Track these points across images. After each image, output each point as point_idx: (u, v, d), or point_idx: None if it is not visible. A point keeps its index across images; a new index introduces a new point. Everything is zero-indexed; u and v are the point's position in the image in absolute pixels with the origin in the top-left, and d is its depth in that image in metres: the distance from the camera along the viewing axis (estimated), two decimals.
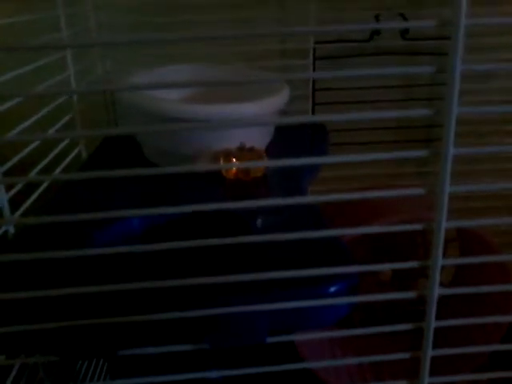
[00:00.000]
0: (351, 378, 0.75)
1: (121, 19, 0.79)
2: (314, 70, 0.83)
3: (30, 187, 0.55)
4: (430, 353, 0.36)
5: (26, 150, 0.52)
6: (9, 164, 0.49)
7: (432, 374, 0.38)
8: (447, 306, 0.79)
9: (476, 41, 0.78)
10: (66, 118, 0.66)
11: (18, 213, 0.51)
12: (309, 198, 0.33)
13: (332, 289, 0.35)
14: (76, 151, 0.69)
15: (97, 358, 0.35)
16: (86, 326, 0.35)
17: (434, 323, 0.35)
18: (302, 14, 0.81)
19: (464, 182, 0.32)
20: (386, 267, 0.33)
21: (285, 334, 0.38)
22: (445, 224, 0.32)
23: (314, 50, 0.83)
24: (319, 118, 0.34)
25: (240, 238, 0.34)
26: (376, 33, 0.82)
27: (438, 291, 0.34)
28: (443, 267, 0.83)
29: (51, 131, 0.61)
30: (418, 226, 0.32)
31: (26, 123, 0.53)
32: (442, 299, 0.33)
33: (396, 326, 0.36)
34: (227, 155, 0.58)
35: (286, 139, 0.70)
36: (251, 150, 0.59)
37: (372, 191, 0.33)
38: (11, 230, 0.47)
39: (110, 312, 0.35)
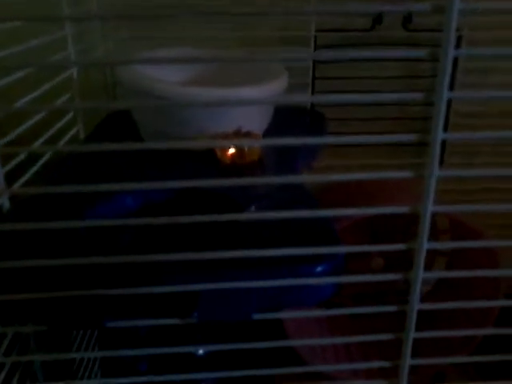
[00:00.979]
0: (338, 362, 0.76)
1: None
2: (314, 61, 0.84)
3: (28, 165, 0.56)
4: (413, 335, 0.37)
5: (24, 126, 0.53)
6: (6, 139, 0.49)
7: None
8: (437, 297, 0.80)
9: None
10: (66, 96, 0.67)
11: (14, 186, 0.51)
12: (302, 178, 0.34)
13: (318, 268, 0.36)
14: (74, 131, 0.69)
15: (86, 328, 0.36)
16: (76, 297, 0.36)
17: (417, 305, 0.36)
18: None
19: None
20: (371, 248, 0.34)
21: (271, 312, 0.38)
22: (431, 208, 0.32)
23: (315, 38, 0.83)
24: (316, 98, 0.34)
25: (231, 215, 0.35)
26: (378, 21, 0.81)
27: (422, 274, 0.35)
28: (434, 259, 0.84)
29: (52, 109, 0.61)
30: (404, 209, 0.33)
31: (26, 98, 0.54)
32: (433, 291, 0.34)
33: (380, 307, 0.37)
34: (224, 139, 0.59)
35: (284, 126, 0.70)
36: (248, 134, 0.60)
37: (363, 174, 0.33)
38: (6, 203, 0.47)
39: (101, 284, 0.36)
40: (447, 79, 0.30)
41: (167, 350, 0.39)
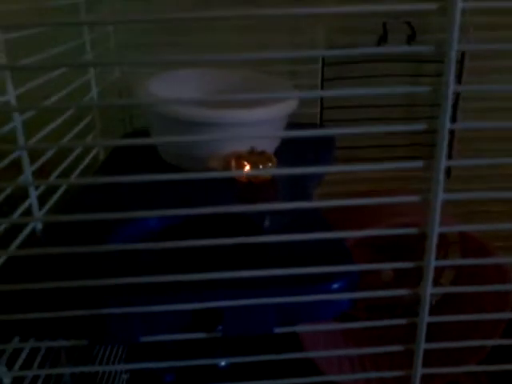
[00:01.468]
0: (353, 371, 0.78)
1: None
2: (322, 74, 0.87)
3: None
4: (423, 346, 0.39)
5: (49, 154, 0.56)
6: (36, 165, 0.53)
7: None
8: (446, 307, 0.82)
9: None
10: (88, 119, 0.70)
11: (44, 210, 0.55)
12: (314, 203, 0.37)
13: (335, 285, 0.38)
14: (95, 151, 0.73)
15: (123, 343, 0.39)
16: (113, 314, 0.39)
17: (426, 318, 0.38)
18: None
19: (460, 189, 0.35)
20: (383, 267, 0.37)
21: (290, 326, 0.41)
22: (437, 229, 0.35)
23: (323, 58, 0.86)
24: (328, 131, 0.37)
25: (251, 238, 0.38)
26: (383, 39, 0.85)
27: (430, 290, 0.37)
28: (443, 271, 0.86)
29: (74, 131, 0.65)
30: (413, 230, 0.36)
31: (53, 125, 0.57)
32: (441, 305, 0.36)
33: (392, 320, 0.39)
34: (238, 158, 0.62)
35: (294, 143, 0.73)
36: (261, 153, 0.63)
37: (371, 198, 0.36)
38: (39, 226, 0.51)
39: (135, 301, 0.39)
40: (449, 109, 0.32)
41: (191, 363, 0.42)
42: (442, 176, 0.33)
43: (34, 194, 0.52)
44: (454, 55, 0.31)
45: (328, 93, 0.39)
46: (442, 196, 0.34)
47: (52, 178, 0.57)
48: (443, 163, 0.33)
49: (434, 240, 0.35)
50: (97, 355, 0.63)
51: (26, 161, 0.51)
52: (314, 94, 0.88)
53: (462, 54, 0.83)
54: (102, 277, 0.38)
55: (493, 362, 0.71)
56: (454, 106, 0.78)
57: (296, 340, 0.73)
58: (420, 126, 0.33)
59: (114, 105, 0.78)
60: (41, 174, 0.54)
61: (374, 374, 0.65)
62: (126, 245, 0.39)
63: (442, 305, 0.83)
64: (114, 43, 0.83)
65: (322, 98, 0.88)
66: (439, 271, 0.83)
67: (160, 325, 0.39)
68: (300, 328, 0.40)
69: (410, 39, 0.82)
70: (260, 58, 0.36)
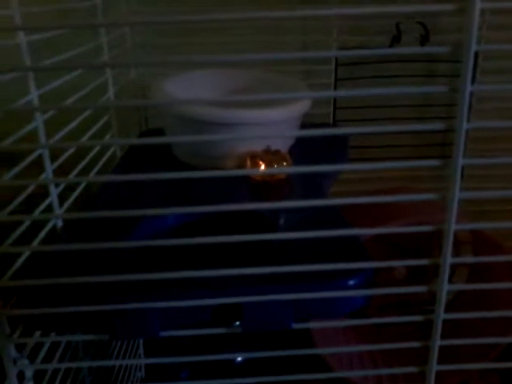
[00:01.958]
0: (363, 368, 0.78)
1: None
2: (336, 75, 0.87)
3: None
4: (439, 342, 0.40)
5: (69, 153, 0.57)
6: (56, 163, 0.54)
7: None
8: (460, 303, 0.82)
9: None
10: (105, 119, 0.71)
11: (64, 208, 0.56)
12: (329, 201, 0.37)
13: (350, 282, 0.39)
14: (112, 150, 0.74)
15: (144, 337, 0.40)
16: (130, 310, 0.40)
17: (442, 315, 0.39)
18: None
19: (476, 188, 0.36)
20: (398, 263, 0.37)
21: (306, 322, 0.42)
22: (454, 226, 0.35)
23: (336, 57, 0.86)
24: (341, 130, 0.38)
25: (267, 235, 0.39)
26: (396, 40, 0.85)
27: (446, 286, 0.38)
28: (456, 269, 0.86)
29: (92, 131, 0.66)
30: (429, 228, 0.36)
31: (72, 124, 0.58)
32: (455, 303, 0.36)
33: (408, 317, 0.40)
34: (253, 157, 0.63)
35: (308, 142, 0.74)
36: (276, 153, 0.64)
37: (388, 196, 0.37)
38: (59, 223, 0.52)
39: (155, 297, 0.40)
40: (466, 108, 0.33)
41: (207, 358, 0.43)
42: (459, 174, 0.34)
43: (54, 192, 0.53)
44: (472, 55, 0.31)
45: (341, 93, 0.40)
46: (458, 194, 0.35)
47: (71, 176, 0.58)
48: (460, 161, 0.34)
49: (451, 237, 0.35)
50: (113, 351, 0.64)
51: (47, 159, 0.52)
52: (327, 94, 0.89)
53: (476, 54, 0.83)
54: (121, 272, 0.39)
55: (506, 357, 0.71)
56: (469, 106, 0.77)
57: (307, 336, 0.74)
58: (438, 126, 0.34)
59: (130, 105, 0.79)
60: (60, 173, 0.55)
61: (386, 371, 0.66)
62: (144, 241, 0.40)
63: (453, 304, 0.83)
64: (131, 44, 0.85)
65: (335, 99, 0.89)
66: (452, 269, 0.83)
67: (178, 320, 0.40)
68: (313, 324, 0.41)
69: (424, 40, 0.82)
70: (275, 58, 0.37)
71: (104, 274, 0.39)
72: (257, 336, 0.59)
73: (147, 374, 0.69)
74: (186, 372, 0.57)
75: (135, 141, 0.79)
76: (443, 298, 0.38)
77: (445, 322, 0.40)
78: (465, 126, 0.33)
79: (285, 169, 0.61)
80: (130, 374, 0.71)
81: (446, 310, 0.39)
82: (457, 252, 0.85)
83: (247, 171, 0.58)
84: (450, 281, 0.84)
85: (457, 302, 0.83)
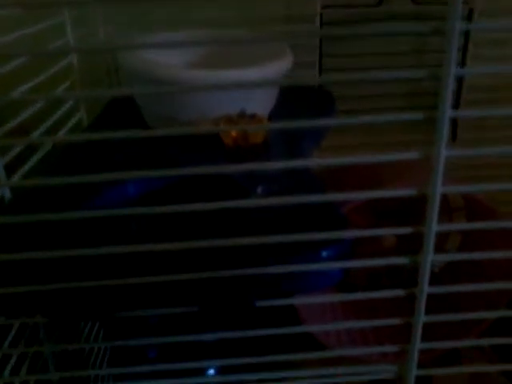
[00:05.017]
0: (353, 343, 0.75)
1: None
2: (320, 41, 0.82)
3: (28, 155, 0.55)
4: (423, 318, 0.36)
5: (23, 116, 0.52)
6: (7, 127, 0.49)
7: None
8: (450, 273, 0.79)
9: None
10: (67, 84, 0.66)
11: (15, 177, 0.51)
12: (306, 162, 0.33)
13: (323, 254, 0.35)
14: (77, 118, 0.69)
15: (95, 319, 0.36)
16: (84, 288, 0.36)
17: (426, 289, 0.35)
18: None
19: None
20: (377, 233, 0.33)
21: (283, 298, 0.38)
22: (440, 189, 0.31)
23: (321, 15, 0.81)
24: (324, 78, 0.33)
25: (236, 202, 0.34)
26: None
27: (431, 258, 0.34)
28: (448, 236, 0.82)
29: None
30: (412, 191, 0.32)
31: (26, 86, 0.53)
32: (445, 272, 0.33)
33: (388, 291, 0.36)
34: (228, 121, 0.58)
35: (291, 106, 0.69)
36: (253, 116, 0.59)
37: (370, 156, 0.32)
38: (7, 194, 0.47)
39: (109, 274, 0.35)
40: (454, 54, 0.28)
41: (176, 339, 0.39)
42: (445, 128, 0.29)
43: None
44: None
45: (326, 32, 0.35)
46: (444, 152, 0.30)
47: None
48: (447, 113, 0.29)
49: (437, 202, 0.31)
50: (82, 330, 0.61)
51: None
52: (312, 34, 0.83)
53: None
54: (76, 247, 0.35)
55: (497, 331, 0.68)
56: (464, 51, 0.71)
57: (293, 311, 0.70)
58: (424, 72, 0.29)
59: (95, 51, 0.73)
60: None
61: (365, 351, 0.63)
62: (100, 211, 0.36)
63: (445, 272, 0.80)
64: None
65: (320, 60, 0.83)
66: (443, 238, 0.79)
67: (136, 299, 0.36)
68: (286, 301, 0.37)
69: None
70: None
71: (56, 249, 0.35)
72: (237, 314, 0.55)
73: (112, 354, 0.65)
74: (153, 352, 0.54)
75: (97, 92, 0.73)
76: (427, 270, 0.34)
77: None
78: (453, 70, 0.28)
79: (255, 126, 0.55)
80: (99, 354, 0.67)
81: (438, 277, 0.35)
82: (450, 219, 0.81)
83: (213, 129, 0.53)
84: (443, 248, 0.81)
85: (449, 269, 0.80)
